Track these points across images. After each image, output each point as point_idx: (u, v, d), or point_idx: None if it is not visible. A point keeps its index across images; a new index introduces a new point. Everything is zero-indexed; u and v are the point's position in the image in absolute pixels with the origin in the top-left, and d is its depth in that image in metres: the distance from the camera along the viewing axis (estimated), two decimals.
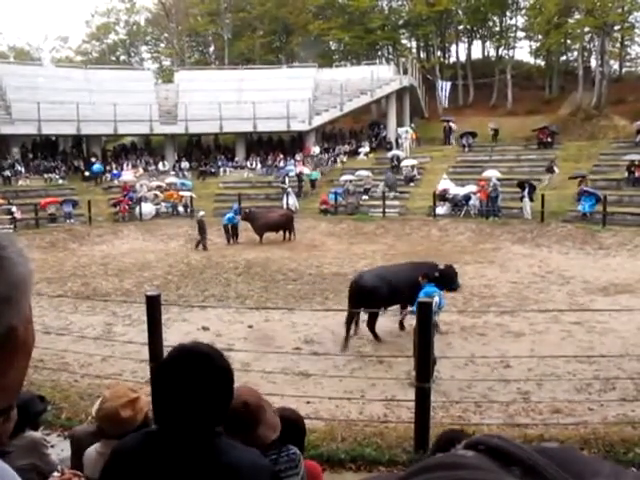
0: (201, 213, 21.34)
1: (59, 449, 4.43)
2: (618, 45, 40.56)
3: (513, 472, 0.49)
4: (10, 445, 2.72)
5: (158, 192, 26.85)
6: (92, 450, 2.76)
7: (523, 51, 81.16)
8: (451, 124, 31.61)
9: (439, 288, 8.71)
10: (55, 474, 2.18)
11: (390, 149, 30.42)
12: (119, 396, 2.71)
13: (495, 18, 44.34)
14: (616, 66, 41.92)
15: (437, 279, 9.07)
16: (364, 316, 9.76)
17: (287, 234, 21.86)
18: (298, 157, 30.85)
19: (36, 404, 3.57)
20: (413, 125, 33.48)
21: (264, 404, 2.44)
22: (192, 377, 1.67)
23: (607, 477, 0.49)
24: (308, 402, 6.35)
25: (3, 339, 0.80)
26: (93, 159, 30.21)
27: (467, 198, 23.55)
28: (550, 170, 24.59)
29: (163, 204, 26.50)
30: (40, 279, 15.33)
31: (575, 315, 10.49)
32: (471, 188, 23.72)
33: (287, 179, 27.61)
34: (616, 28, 35.22)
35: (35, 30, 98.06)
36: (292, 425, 2.83)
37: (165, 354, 2.04)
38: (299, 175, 27.99)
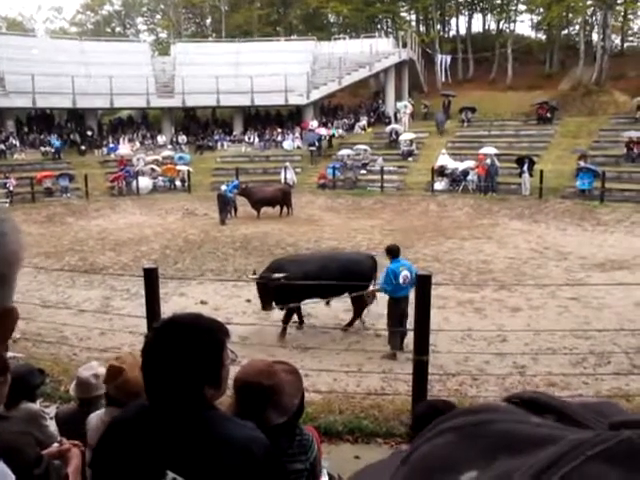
0: (222, 187, 21.10)
1: None
2: (621, 19, 39.98)
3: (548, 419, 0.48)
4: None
5: (155, 166, 26.67)
6: (96, 418, 2.76)
7: (524, 25, 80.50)
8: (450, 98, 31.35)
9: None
10: (55, 445, 2.18)
11: (389, 123, 30.22)
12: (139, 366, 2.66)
13: None
14: (618, 40, 41.38)
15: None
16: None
17: (284, 209, 21.64)
18: (296, 133, 30.73)
19: (34, 377, 3.59)
20: (411, 99, 33.19)
21: (280, 383, 2.35)
22: (175, 348, 1.63)
23: None
24: (306, 375, 6.34)
25: None
26: (89, 132, 29.94)
27: (465, 173, 23.46)
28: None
29: (160, 178, 26.34)
30: (37, 253, 15.31)
31: (572, 290, 10.54)
32: (469, 163, 23.61)
33: (317, 143, 28.18)
34: (619, 1, 34.71)
35: (27, 0, 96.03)
36: None
37: None
38: (326, 136, 28.84)
